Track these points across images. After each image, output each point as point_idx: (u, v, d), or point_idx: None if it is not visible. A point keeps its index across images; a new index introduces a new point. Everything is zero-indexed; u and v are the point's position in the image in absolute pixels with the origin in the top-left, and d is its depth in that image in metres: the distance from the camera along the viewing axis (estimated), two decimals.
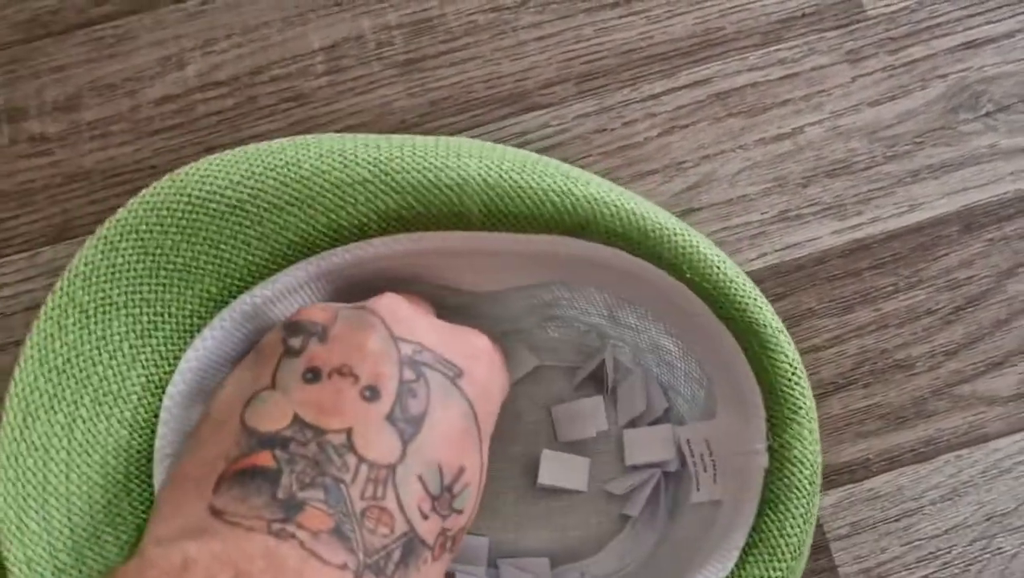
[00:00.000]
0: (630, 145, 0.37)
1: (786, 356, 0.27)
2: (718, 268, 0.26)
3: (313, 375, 0.22)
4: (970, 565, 0.33)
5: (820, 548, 0.34)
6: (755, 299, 0.27)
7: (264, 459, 0.21)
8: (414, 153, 0.26)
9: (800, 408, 0.26)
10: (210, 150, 0.36)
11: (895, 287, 0.35)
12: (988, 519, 0.34)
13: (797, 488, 0.26)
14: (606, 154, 0.36)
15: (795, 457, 0.26)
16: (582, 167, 0.36)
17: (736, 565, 0.26)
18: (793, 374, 0.27)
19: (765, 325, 0.27)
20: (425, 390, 0.22)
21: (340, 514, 0.20)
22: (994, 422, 0.34)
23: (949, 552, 0.34)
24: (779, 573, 0.26)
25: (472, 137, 0.36)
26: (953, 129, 0.37)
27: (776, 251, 0.36)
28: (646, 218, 0.26)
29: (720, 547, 0.26)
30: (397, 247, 0.26)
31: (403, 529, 0.21)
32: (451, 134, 0.37)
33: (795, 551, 0.26)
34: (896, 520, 0.34)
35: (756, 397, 0.27)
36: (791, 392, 0.27)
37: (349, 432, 0.21)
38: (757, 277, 0.35)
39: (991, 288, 0.35)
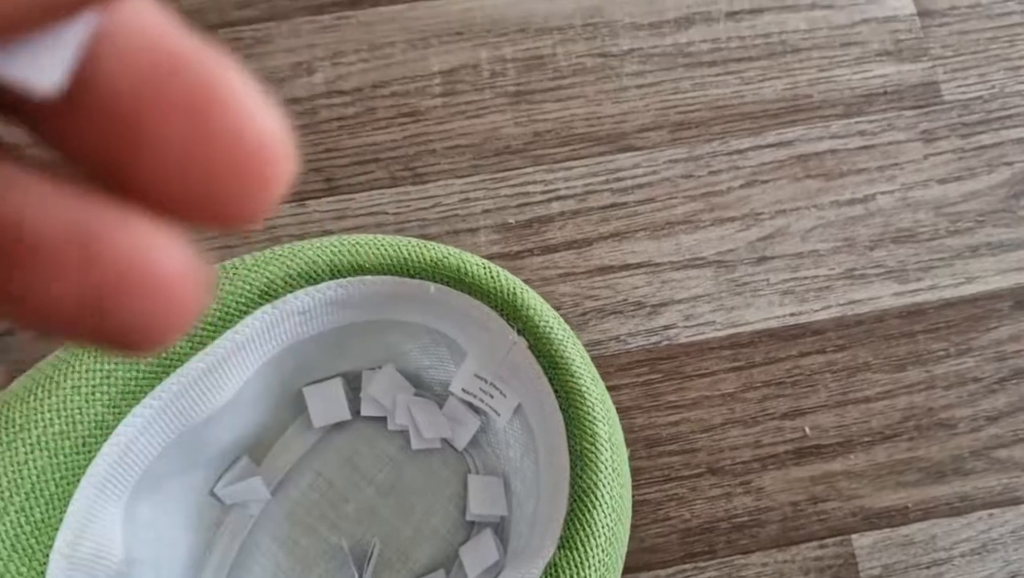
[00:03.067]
0: (713, 192, 0.40)
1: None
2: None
3: None
4: None
5: None
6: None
7: None
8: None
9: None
10: (329, 151, 0.40)
11: (946, 352, 0.38)
12: (1013, 577, 0.36)
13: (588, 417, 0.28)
14: (690, 198, 0.40)
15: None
16: (668, 208, 0.39)
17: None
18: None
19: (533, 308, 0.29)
20: None
21: None
22: None
23: None
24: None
25: (570, 168, 0.40)
26: (1013, 213, 0.40)
27: (839, 305, 0.38)
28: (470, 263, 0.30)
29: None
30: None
31: None
32: (551, 164, 0.40)
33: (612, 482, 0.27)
34: (927, 567, 0.36)
35: (488, 317, 0.29)
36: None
37: None
38: (820, 327, 0.38)
39: None
